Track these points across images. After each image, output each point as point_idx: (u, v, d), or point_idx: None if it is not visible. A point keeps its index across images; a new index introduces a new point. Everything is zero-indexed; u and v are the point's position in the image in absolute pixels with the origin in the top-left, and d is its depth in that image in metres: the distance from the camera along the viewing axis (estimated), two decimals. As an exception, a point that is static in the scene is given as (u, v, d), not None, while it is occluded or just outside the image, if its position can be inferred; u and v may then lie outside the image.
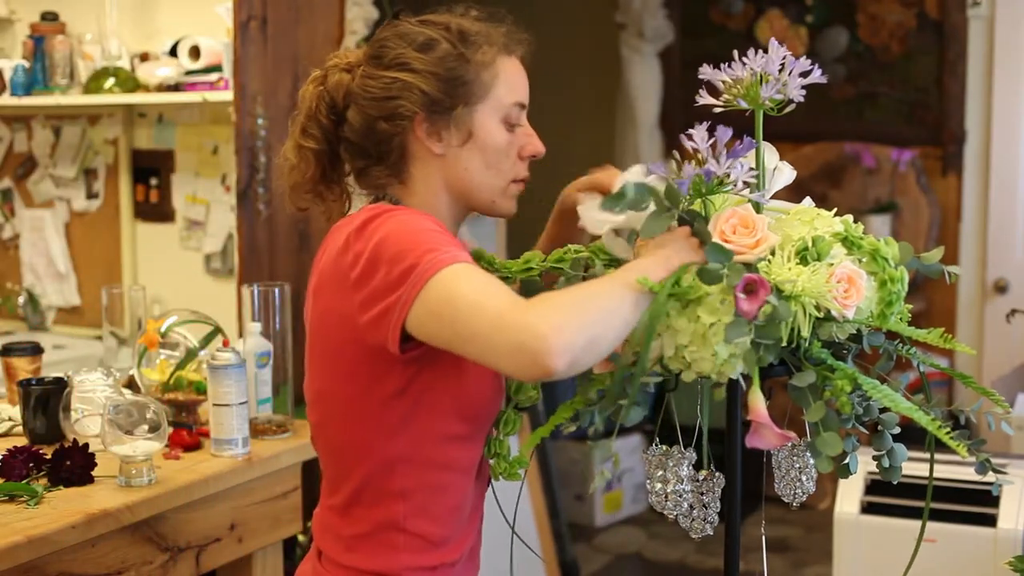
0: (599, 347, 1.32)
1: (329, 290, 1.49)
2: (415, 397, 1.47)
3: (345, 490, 1.53)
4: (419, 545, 1.51)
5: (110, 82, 3.39)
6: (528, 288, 1.49)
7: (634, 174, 1.44)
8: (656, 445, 1.46)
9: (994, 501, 2.73)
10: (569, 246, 1.52)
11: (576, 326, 1.28)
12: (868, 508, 2.86)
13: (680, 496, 1.44)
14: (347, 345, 1.47)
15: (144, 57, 3.44)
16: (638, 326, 1.32)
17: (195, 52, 3.28)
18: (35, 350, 2.59)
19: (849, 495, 2.88)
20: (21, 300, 3.81)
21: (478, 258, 1.57)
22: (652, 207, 1.36)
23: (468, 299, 1.34)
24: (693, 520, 1.46)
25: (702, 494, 1.46)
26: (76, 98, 3.46)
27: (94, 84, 3.42)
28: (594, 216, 1.44)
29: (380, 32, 1.58)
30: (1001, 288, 4.48)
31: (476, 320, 1.33)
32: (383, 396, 1.46)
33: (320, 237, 1.55)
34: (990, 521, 2.74)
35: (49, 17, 3.56)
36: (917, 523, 2.80)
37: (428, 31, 1.55)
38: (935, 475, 2.69)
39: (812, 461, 1.46)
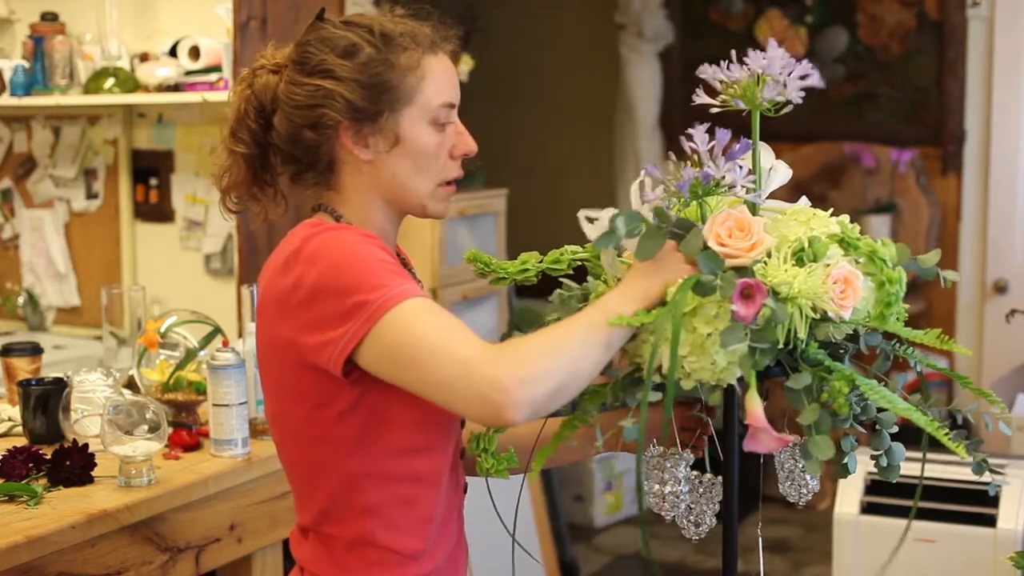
0: (565, 395, 1.33)
1: (271, 313, 1.47)
2: (368, 413, 1.44)
3: (313, 509, 1.52)
4: (393, 559, 1.49)
5: (110, 82, 3.39)
6: (524, 315, 1.49)
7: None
8: (654, 446, 1.46)
9: (993, 501, 2.73)
10: (566, 247, 1.52)
11: (541, 379, 1.29)
12: (867, 508, 2.86)
13: (677, 497, 1.44)
14: (292, 368, 1.45)
15: (144, 57, 3.44)
16: (642, 340, 1.32)
17: (195, 52, 3.28)
18: (35, 350, 2.59)
19: (849, 495, 2.88)
20: (21, 300, 3.81)
21: (475, 259, 1.57)
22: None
23: (430, 342, 1.33)
24: (688, 521, 1.46)
25: (699, 495, 1.47)
26: (76, 98, 3.46)
27: (94, 84, 3.42)
28: (596, 227, 1.44)
29: (304, 34, 1.54)
30: (1001, 288, 4.48)
31: (439, 366, 1.32)
32: (334, 415, 1.45)
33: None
34: (989, 521, 2.74)
35: (49, 17, 3.56)
36: (917, 523, 2.81)
37: (351, 35, 1.52)
38: (935, 475, 2.71)
39: (813, 461, 1.47)
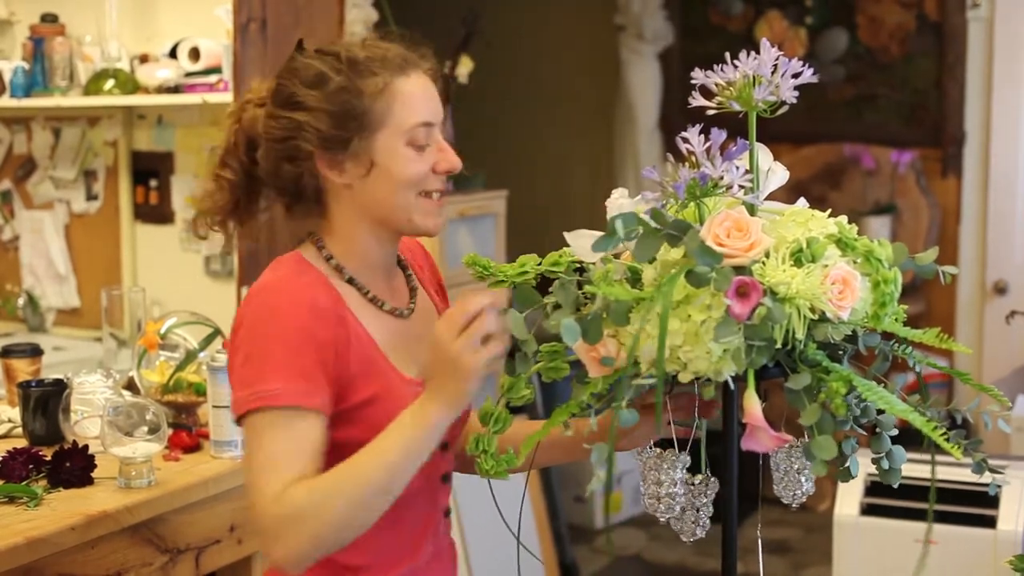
0: (346, 538, 1.45)
1: None
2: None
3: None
4: (332, 568, 1.54)
5: (110, 84, 3.39)
6: (522, 293, 1.49)
7: (615, 200, 1.44)
8: (651, 447, 1.46)
9: (994, 502, 2.73)
10: (565, 249, 1.52)
11: (310, 540, 1.41)
12: (868, 510, 2.86)
13: (673, 499, 1.44)
14: None
15: (144, 59, 3.44)
16: (638, 334, 1.32)
17: (195, 54, 3.28)
18: (35, 352, 2.59)
19: (849, 497, 2.88)
20: (21, 302, 3.81)
21: (473, 263, 1.56)
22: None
23: (256, 459, 1.46)
24: (683, 523, 1.46)
25: (695, 497, 1.46)
26: (76, 100, 3.46)
27: (94, 86, 3.42)
28: (585, 245, 1.44)
29: (282, 67, 1.59)
30: (1000, 290, 4.48)
31: (249, 485, 1.46)
32: None
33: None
34: (990, 523, 2.74)
35: (49, 19, 3.56)
36: (917, 525, 2.81)
37: (319, 64, 1.55)
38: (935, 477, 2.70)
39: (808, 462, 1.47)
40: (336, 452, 1.49)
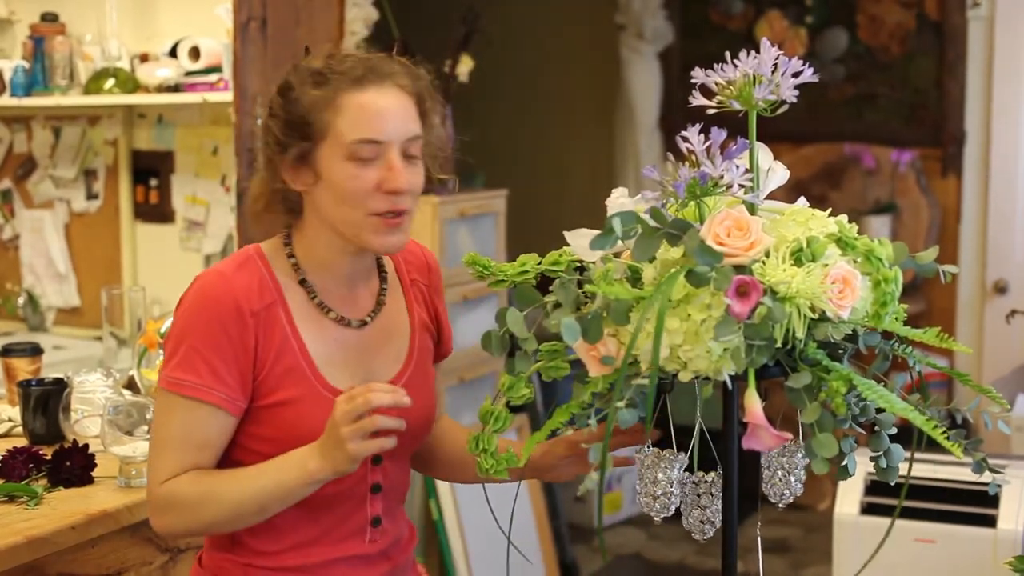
0: (217, 533, 1.63)
1: None
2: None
3: None
4: (247, 549, 1.64)
5: (110, 83, 3.39)
6: (522, 292, 1.49)
7: (615, 199, 1.44)
8: (649, 446, 1.46)
9: (994, 502, 2.73)
10: (565, 248, 1.52)
11: (183, 526, 1.59)
12: (868, 509, 2.86)
13: (669, 499, 1.44)
14: None
15: (144, 58, 3.44)
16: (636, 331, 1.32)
17: (195, 53, 3.29)
18: (35, 351, 2.59)
19: (849, 496, 2.88)
20: (21, 301, 3.81)
21: (473, 263, 1.57)
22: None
23: (158, 435, 1.59)
24: (693, 521, 1.46)
25: (699, 495, 1.46)
26: (76, 99, 3.47)
27: (94, 85, 3.42)
28: (585, 245, 1.44)
29: None
30: (1001, 289, 4.48)
31: (149, 457, 1.60)
32: None
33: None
34: (990, 522, 2.74)
35: (49, 18, 3.57)
36: (917, 524, 2.81)
37: (290, 74, 1.60)
38: (935, 475, 2.71)
39: (801, 462, 1.47)
40: (250, 441, 1.60)
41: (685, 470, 1.46)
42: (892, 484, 1.50)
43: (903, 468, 1.49)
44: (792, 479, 1.49)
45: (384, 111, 1.56)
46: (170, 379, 1.57)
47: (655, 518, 1.45)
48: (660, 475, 1.43)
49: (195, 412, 1.56)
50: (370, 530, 1.67)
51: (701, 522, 1.46)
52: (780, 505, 1.51)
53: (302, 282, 1.63)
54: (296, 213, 1.64)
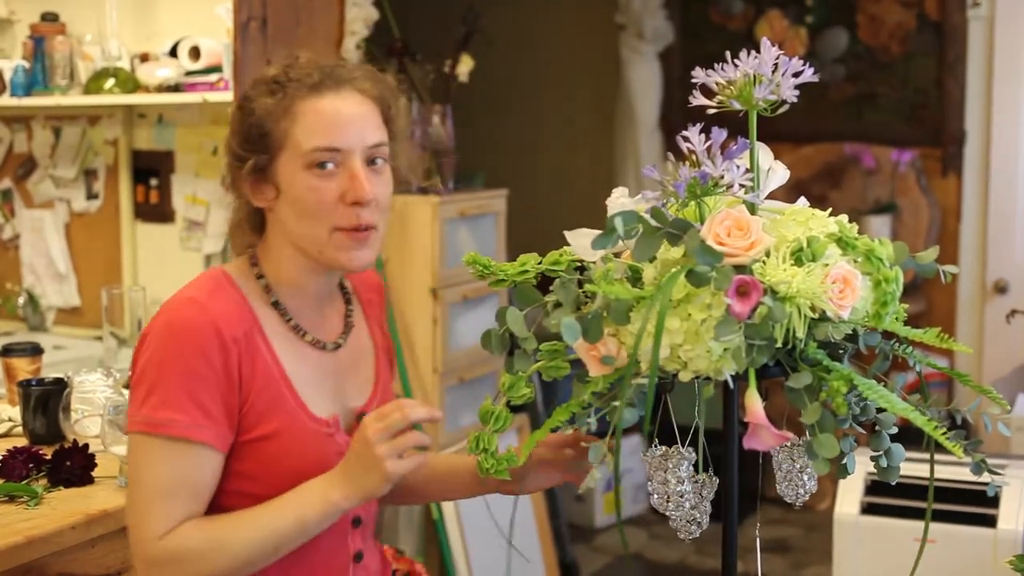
0: None
1: None
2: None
3: None
4: None
5: (110, 83, 3.39)
6: (522, 292, 1.49)
7: (615, 199, 1.44)
8: (655, 447, 1.46)
9: (994, 502, 2.73)
10: (565, 248, 1.52)
11: None
12: (868, 509, 2.86)
13: (682, 496, 1.44)
14: None
15: (144, 58, 3.44)
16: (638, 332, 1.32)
17: (195, 53, 3.28)
18: (35, 351, 2.59)
19: (849, 496, 2.88)
20: (21, 301, 3.81)
21: (474, 262, 1.56)
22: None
23: (143, 486, 1.44)
24: (680, 521, 1.46)
25: (694, 495, 1.47)
26: (76, 99, 3.47)
27: (94, 85, 3.42)
28: (585, 244, 1.44)
29: None
30: (1001, 289, 4.48)
31: (133, 509, 1.46)
32: None
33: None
34: (990, 522, 2.74)
35: (49, 18, 3.57)
36: (917, 524, 2.81)
37: (251, 87, 1.53)
38: (934, 476, 2.70)
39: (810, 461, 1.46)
40: (231, 481, 1.48)
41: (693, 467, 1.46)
42: (893, 484, 1.49)
43: (903, 468, 1.49)
44: (805, 477, 1.49)
45: (343, 117, 1.49)
46: (151, 421, 1.43)
47: (671, 516, 1.45)
48: (670, 475, 1.43)
49: (186, 455, 1.43)
50: (352, 566, 1.61)
51: (688, 522, 1.46)
52: (797, 504, 1.51)
53: (274, 304, 1.54)
54: (260, 232, 1.56)
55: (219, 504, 1.49)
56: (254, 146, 1.49)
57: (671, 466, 1.44)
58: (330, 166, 1.48)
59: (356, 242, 1.50)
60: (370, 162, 1.51)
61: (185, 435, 1.43)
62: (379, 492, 1.42)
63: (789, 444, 1.46)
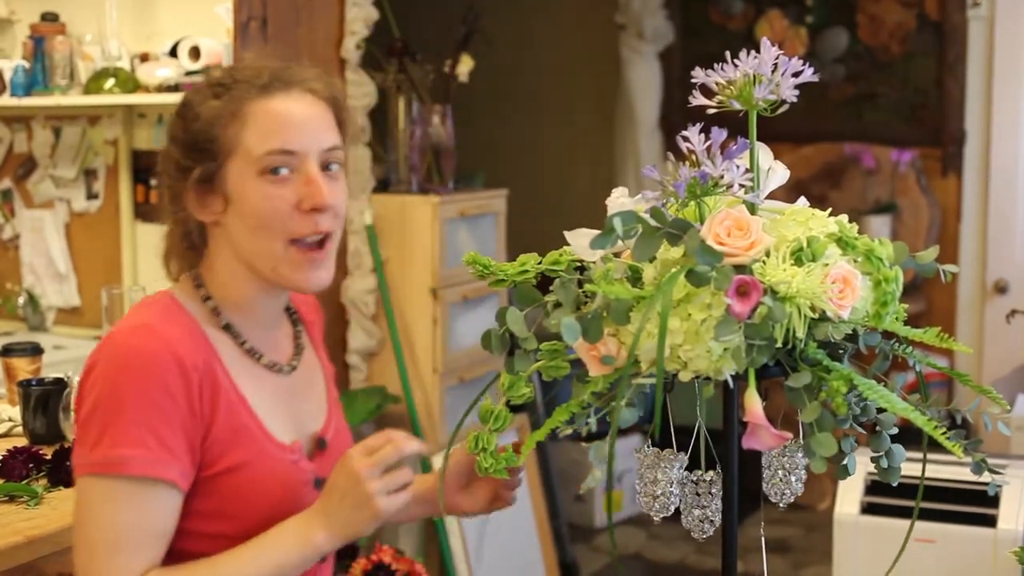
0: None
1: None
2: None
3: None
4: None
5: (110, 83, 3.39)
6: (522, 292, 1.49)
7: (615, 199, 1.44)
8: (649, 446, 1.46)
9: (994, 501, 2.73)
10: (565, 248, 1.52)
11: None
12: (868, 509, 2.86)
13: (669, 499, 1.44)
14: None
15: (144, 58, 3.44)
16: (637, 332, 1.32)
17: (195, 53, 3.28)
18: (35, 351, 2.59)
19: (849, 496, 2.88)
20: (21, 300, 3.81)
21: (474, 262, 1.56)
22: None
23: (96, 534, 1.31)
24: (692, 520, 1.46)
25: (698, 495, 1.47)
26: (76, 99, 3.47)
27: (94, 85, 3.42)
28: (585, 244, 1.44)
29: None
30: (1001, 289, 4.48)
31: (84, 562, 1.31)
32: None
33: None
34: (990, 522, 2.74)
35: (49, 18, 3.57)
36: (917, 524, 2.80)
37: (191, 92, 1.43)
38: (935, 475, 2.71)
39: (801, 462, 1.46)
40: (193, 521, 1.36)
41: (685, 469, 1.46)
42: (894, 485, 1.49)
43: (904, 468, 1.49)
44: (793, 479, 1.49)
45: (296, 118, 1.39)
46: (107, 460, 1.30)
47: (655, 517, 1.45)
48: (660, 475, 1.44)
49: (147, 495, 1.30)
50: None
51: (701, 521, 1.46)
52: (781, 505, 1.51)
53: (226, 327, 1.43)
54: (199, 251, 1.44)
55: (180, 548, 1.37)
56: (200, 154, 1.38)
57: (663, 466, 1.44)
58: (284, 171, 1.37)
59: (312, 262, 1.40)
60: (325, 167, 1.41)
61: (145, 472, 1.30)
62: (366, 532, 1.34)
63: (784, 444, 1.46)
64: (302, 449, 1.47)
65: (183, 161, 1.39)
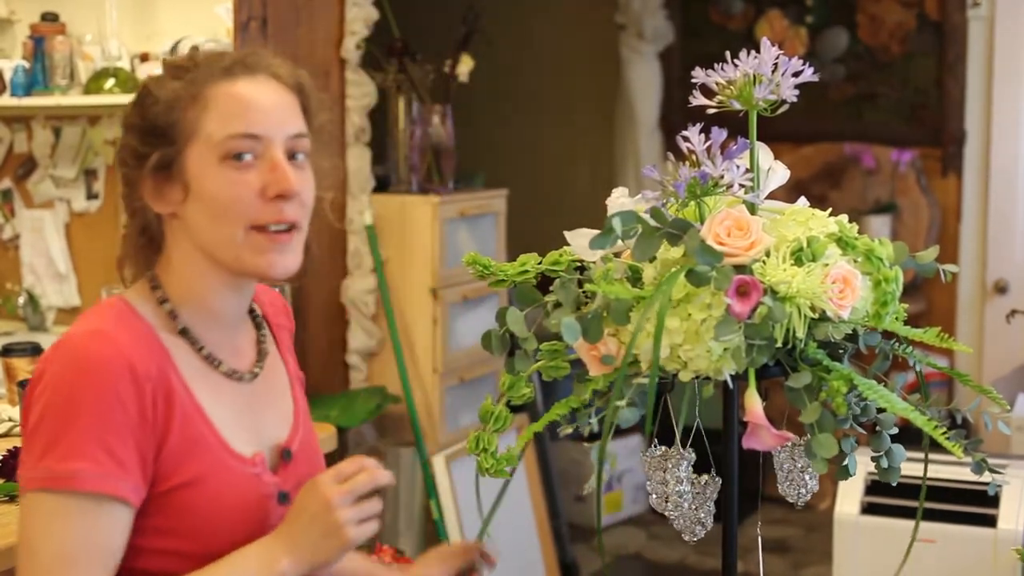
0: None
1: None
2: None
3: None
4: None
5: (110, 83, 3.39)
6: (522, 292, 1.49)
7: (615, 199, 1.44)
8: (655, 446, 1.46)
9: (994, 501, 2.73)
10: (565, 248, 1.52)
11: None
12: (868, 509, 2.86)
13: (681, 496, 1.44)
14: None
15: (144, 58, 3.44)
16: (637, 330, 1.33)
17: (195, 53, 3.28)
18: (35, 351, 2.59)
19: (849, 496, 2.88)
20: (21, 300, 3.81)
21: (474, 262, 1.56)
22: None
23: (42, 553, 1.22)
24: (684, 522, 1.46)
25: (696, 497, 1.47)
26: (76, 99, 3.47)
27: (94, 84, 3.42)
28: (585, 244, 1.44)
29: None
30: (1001, 289, 4.48)
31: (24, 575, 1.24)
32: None
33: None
34: (990, 522, 2.74)
35: (49, 18, 3.57)
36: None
37: (148, 79, 1.38)
38: (935, 475, 2.71)
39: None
40: (147, 538, 1.30)
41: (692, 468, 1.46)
42: (894, 485, 1.50)
43: (903, 468, 1.49)
44: (807, 477, 1.49)
45: (260, 102, 1.33)
46: (55, 475, 1.22)
47: (669, 516, 1.45)
48: (668, 476, 1.43)
49: (97, 511, 1.23)
50: None
51: (692, 523, 1.46)
52: (799, 504, 1.51)
53: (183, 332, 1.36)
54: (157, 248, 1.38)
55: (133, 567, 1.30)
56: (158, 139, 1.32)
57: (670, 466, 1.44)
58: (248, 157, 1.31)
59: (276, 244, 1.33)
60: (290, 156, 1.35)
61: (95, 488, 1.23)
62: (334, 561, 1.28)
63: (790, 444, 1.46)
64: (265, 461, 1.40)
65: (140, 148, 1.34)
